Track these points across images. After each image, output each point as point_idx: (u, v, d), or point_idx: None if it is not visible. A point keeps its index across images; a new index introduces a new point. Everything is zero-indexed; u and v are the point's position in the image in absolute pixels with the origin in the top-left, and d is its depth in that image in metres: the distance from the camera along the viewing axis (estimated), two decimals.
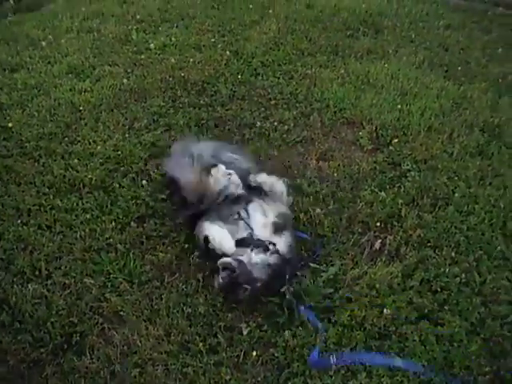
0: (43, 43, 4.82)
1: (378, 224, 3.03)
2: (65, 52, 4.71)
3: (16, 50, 4.72)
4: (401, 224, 3.02)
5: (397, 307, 2.50)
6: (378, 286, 2.61)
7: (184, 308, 2.51)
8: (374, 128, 3.84)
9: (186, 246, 2.84)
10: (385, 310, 2.47)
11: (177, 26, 5.30)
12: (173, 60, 4.61)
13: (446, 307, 2.52)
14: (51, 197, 3.12)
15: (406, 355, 2.31)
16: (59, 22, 5.34)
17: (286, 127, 3.87)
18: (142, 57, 4.68)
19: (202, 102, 4.11)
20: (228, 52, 4.80)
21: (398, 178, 3.39)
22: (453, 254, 2.80)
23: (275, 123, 3.90)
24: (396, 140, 3.71)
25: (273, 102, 4.18)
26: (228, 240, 2.64)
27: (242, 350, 2.35)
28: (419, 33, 5.45)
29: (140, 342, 2.37)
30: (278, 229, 2.75)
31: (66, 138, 3.64)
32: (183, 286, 2.62)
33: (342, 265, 2.75)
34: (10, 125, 3.71)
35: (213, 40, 5.02)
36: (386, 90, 4.33)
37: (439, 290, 2.61)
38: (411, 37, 5.34)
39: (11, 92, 4.10)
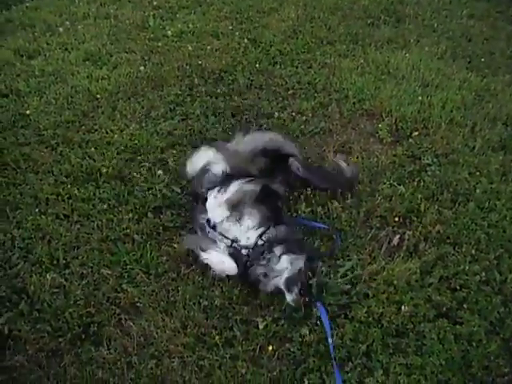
0: (60, 29, 4.80)
1: (397, 219, 2.99)
2: (82, 38, 4.69)
3: (33, 36, 4.71)
4: (420, 219, 2.97)
5: (415, 304, 2.47)
6: (395, 282, 2.58)
7: (200, 300, 2.51)
8: (393, 120, 3.77)
9: None
10: (403, 307, 2.45)
11: (194, 13, 5.23)
12: (190, 47, 4.57)
13: (465, 306, 2.49)
14: (68, 186, 3.13)
15: (424, 354, 2.29)
16: (76, 8, 5.31)
17: (304, 118, 3.82)
18: (159, 44, 4.64)
19: (219, 90, 4.07)
20: (246, 40, 4.74)
21: (417, 172, 3.33)
22: (473, 252, 2.76)
23: (293, 113, 3.86)
24: (416, 133, 3.64)
25: (291, 91, 4.12)
26: (228, 264, 2.62)
27: (257, 344, 2.35)
28: (442, 22, 5.31)
29: (156, 333, 2.38)
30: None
31: (83, 127, 3.64)
32: (199, 279, 2.62)
33: (359, 260, 2.73)
34: (27, 112, 3.71)
35: (230, 27, 4.96)
36: (406, 80, 4.24)
37: (458, 288, 2.57)
38: (433, 26, 5.22)
39: (29, 79, 4.09)
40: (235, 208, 2.70)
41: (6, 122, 3.63)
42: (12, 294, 2.51)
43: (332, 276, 2.61)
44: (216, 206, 2.76)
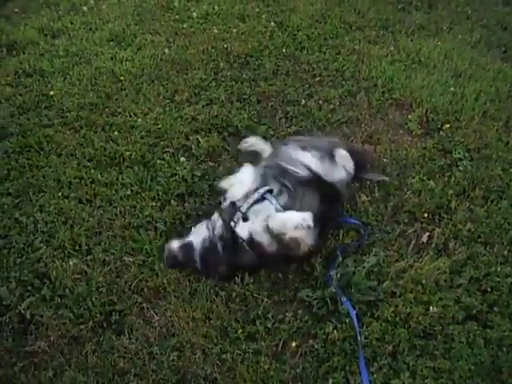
0: (85, 8, 4.73)
1: (426, 215, 2.90)
2: (106, 18, 4.61)
3: (57, 15, 4.64)
4: (450, 216, 2.88)
5: (443, 305, 2.40)
6: (423, 281, 2.51)
7: (221, 292, 2.47)
8: (424, 111, 3.64)
9: None
10: (431, 308, 2.38)
11: None
12: (216, 30, 4.46)
13: (495, 309, 2.41)
14: (91, 170, 3.10)
15: (452, 357, 2.22)
16: None
17: (331, 106, 3.71)
18: (184, 26, 4.54)
19: (244, 75, 3.98)
20: (273, 23, 4.61)
21: (448, 167, 3.22)
22: (505, 252, 2.67)
23: (320, 101, 3.75)
24: (447, 125, 3.51)
25: (318, 78, 4.00)
26: None
27: (280, 340, 2.32)
28: (476, 9, 5.10)
29: (179, 324, 2.36)
30: None
31: (107, 109, 3.59)
32: None
33: (386, 256, 2.66)
34: (51, 93, 3.67)
35: (257, 10, 4.82)
36: (438, 70, 4.09)
37: (489, 289, 2.49)
38: (467, 13, 5.01)
39: (53, 59, 4.04)
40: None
41: (29, 102, 3.60)
42: (34, 279, 2.51)
43: (358, 271, 2.54)
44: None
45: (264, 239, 2.47)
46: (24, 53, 4.12)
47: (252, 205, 2.55)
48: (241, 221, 2.51)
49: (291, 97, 3.79)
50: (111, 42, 4.31)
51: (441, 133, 3.48)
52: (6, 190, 2.95)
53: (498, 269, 2.56)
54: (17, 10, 4.73)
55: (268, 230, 2.44)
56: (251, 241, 2.47)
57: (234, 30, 4.47)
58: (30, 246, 2.66)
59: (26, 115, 3.50)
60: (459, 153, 3.31)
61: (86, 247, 2.68)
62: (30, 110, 3.56)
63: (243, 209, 2.53)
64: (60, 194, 2.95)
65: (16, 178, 3.03)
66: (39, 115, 3.50)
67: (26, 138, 3.30)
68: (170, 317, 2.39)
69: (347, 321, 2.32)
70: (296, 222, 2.40)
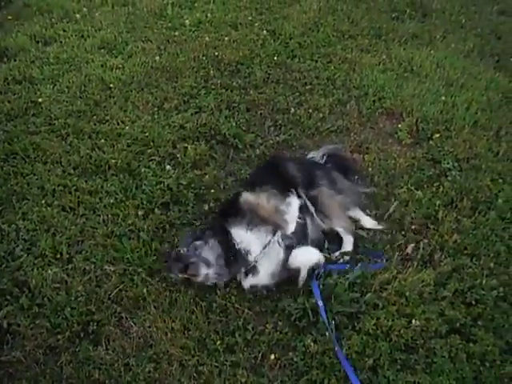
0: (78, 16, 4.73)
1: (413, 226, 2.86)
2: (98, 26, 4.61)
3: (50, 22, 4.64)
4: (437, 227, 2.85)
5: (426, 318, 2.36)
6: (407, 293, 2.47)
7: (201, 303, 2.44)
8: (414, 120, 3.62)
9: None
10: (413, 321, 2.34)
11: (213, 2, 5.10)
12: (207, 38, 4.45)
13: (479, 322, 2.37)
14: (76, 178, 3.08)
15: (433, 372, 2.18)
16: None
17: (320, 115, 3.69)
18: (176, 33, 4.54)
19: (234, 83, 3.96)
20: (265, 31, 4.60)
21: (436, 177, 3.19)
22: (491, 265, 2.63)
23: (310, 110, 3.73)
24: (437, 135, 3.49)
25: (308, 86, 3.99)
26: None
27: (259, 352, 2.28)
28: (470, 18, 5.09)
29: (157, 334, 2.33)
30: None
31: (95, 117, 3.58)
32: None
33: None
34: (40, 100, 3.66)
35: (250, 18, 4.82)
36: (430, 79, 4.08)
37: (474, 302, 2.45)
38: (461, 22, 5.01)
39: (43, 66, 4.04)
40: None
41: (17, 109, 3.59)
42: (13, 287, 2.48)
43: (340, 283, 2.50)
44: None
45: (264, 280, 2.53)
46: (15, 60, 4.12)
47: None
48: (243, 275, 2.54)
49: (281, 105, 3.77)
50: (102, 50, 4.31)
51: (430, 142, 3.45)
52: None
53: (484, 281, 2.52)
54: (10, 17, 4.74)
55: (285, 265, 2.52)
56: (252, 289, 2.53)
57: (226, 38, 4.47)
58: (10, 254, 2.64)
59: (13, 122, 3.49)
60: (448, 163, 3.28)
61: (67, 256, 2.65)
62: (18, 116, 3.55)
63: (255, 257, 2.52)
64: (43, 201, 2.92)
65: (0, 185, 3.01)
66: (27, 122, 3.49)
67: (12, 145, 3.28)
68: (149, 327, 2.36)
69: (327, 333, 2.28)
70: (315, 259, 2.52)
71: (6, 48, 4.23)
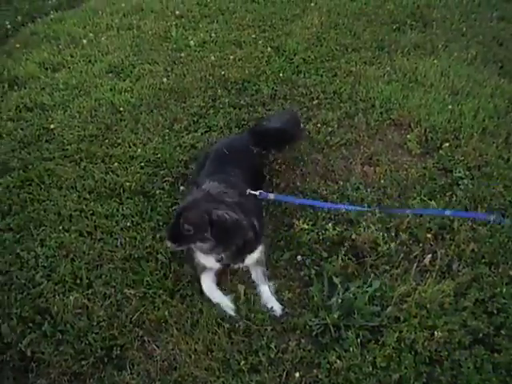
0: (84, 41, 4.82)
1: (428, 236, 2.87)
2: (105, 50, 4.69)
3: (57, 49, 4.73)
4: (453, 237, 2.85)
5: (449, 330, 2.35)
6: (428, 305, 2.46)
7: (223, 324, 2.44)
8: (422, 130, 3.64)
9: None
10: (436, 333, 2.33)
11: (217, 22, 5.18)
12: (213, 57, 4.52)
13: (502, 331, 2.35)
14: (92, 202, 3.11)
15: None
16: (99, 19, 5.32)
17: (329, 129, 3.72)
18: (182, 54, 4.60)
19: (242, 102, 4.01)
20: (269, 48, 4.66)
21: (449, 186, 3.20)
22: (510, 272, 2.62)
23: (318, 125, 3.76)
24: (447, 144, 3.51)
25: (315, 101, 4.03)
26: None
27: (284, 370, 2.28)
28: (471, 25, 5.13)
29: (181, 357, 2.33)
30: None
31: (107, 141, 3.62)
32: None
33: (389, 279, 2.62)
34: (51, 126, 3.72)
35: (253, 36, 4.89)
36: (435, 88, 4.11)
37: (495, 312, 2.44)
38: (462, 30, 5.04)
39: (53, 92, 4.11)
40: None
41: (30, 136, 3.65)
42: (35, 315, 2.49)
43: (360, 296, 2.50)
44: None
45: None
46: (25, 87, 4.19)
47: None
48: None
49: None
50: (110, 74, 4.37)
51: (440, 152, 3.47)
52: (8, 226, 2.97)
53: (504, 290, 2.51)
54: (18, 45, 4.83)
55: None
56: None
57: (231, 57, 4.53)
58: (30, 282, 2.66)
59: (27, 149, 3.54)
60: (460, 171, 3.29)
61: (87, 281, 2.67)
62: (31, 143, 3.60)
63: None
64: (61, 227, 2.95)
65: (17, 212, 3.05)
66: (40, 149, 3.54)
67: (28, 172, 3.33)
68: (172, 350, 2.37)
69: (351, 349, 2.28)
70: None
71: (16, 76, 4.31)
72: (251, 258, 2.68)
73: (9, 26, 5.36)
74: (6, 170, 3.35)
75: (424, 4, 5.55)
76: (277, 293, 2.61)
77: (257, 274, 2.70)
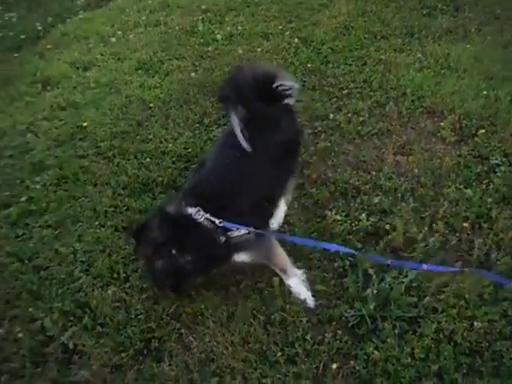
0: (113, 39, 4.89)
1: (465, 225, 2.80)
2: (133, 47, 4.76)
3: (88, 48, 4.83)
4: (490, 225, 2.77)
5: (489, 320, 2.29)
6: (466, 295, 2.41)
7: (259, 316, 2.45)
8: (456, 118, 3.55)
9: None
10: (475, 323, 2.28)
11: (243, 14, 5.18)
12: (240, 50, 4.52)
13: None
14: (126, 198, 3.17)
15: (502, 376, 2.12)
16: (127, 17, 5.40)
17: (360, 118, 3.68)
18: (209, 48, 4.63)
19: None
20: (296, 39, 4.63)
21: (485, 174, 3.11)
22: None
23: (349, 114, 3.72)
24: (482, 131, 3.41)
25: (345, 91, 3.98)
26: None
27: (320, 362, 2.27)
28: (506, 7, 4.96)
29: (217, 348, 2.35)
30: None
31: (138, 137, 3.68)
32: (259, 293, 2.57)
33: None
34: (84, 124, 3.80)
35: (280, 27, 4.87)
36: (468, 74, 4.00)
37: None
38: (496, 13, 4.89)
39: (85, 91, 4.19)
40: None
41: (64, 135, 3.74)
42: (76, 309, 2.56)
43: (396, 287, 2.47)
44: None
45: None
46: (58, 87, 4.29)
47: None
48: None
49: (319, 111, 3.78)
50: (139, 70, 4.44)
51: (476, 139, 3.38)
52: (46, 222, 3.06)
53: None
54: (49, 46, 4.95)
55: None
56: None
57: (259, 49, 4.52)
58: (70, 276, 2.73)
59: (61, 148, 3.64)
60: (496, 158, 3.20)
61: (124, 275, 2.72)
62: (66, 142, 3.70)
63: None
64: (97, 223, 3.02)
65: (55, 209, 3.14)
66: (74, 147, 3.63)
67: (63, 169, 3.42)
68: (209, 342, 2.39)
69: (389, 340, 2.26)
70: None
71: (48, 77, 4.41)
72: None
73: (40, 28, 5.50)
74: (42, 169, 3.45)
75: None
76: (311, 284, 2.61)
77: None
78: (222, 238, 2.36)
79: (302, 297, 2.54)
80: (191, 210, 2.33)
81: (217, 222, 2.31)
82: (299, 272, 2.61)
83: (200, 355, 2.35)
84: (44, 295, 2.64)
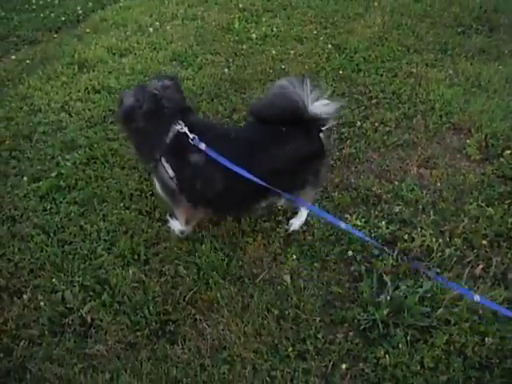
0: (150, 29, 4.98)
1: (484, 242, 2.82)
2: (170, 39, 4.83)
3: (125, 35, 4.91)
4: (510, 245, 2.80)
5: (501, 337, 2.32)
6: (480, 311, 2.44)
7: (273, 310, 2.50)
8: (483, 136, 3.57)
9: (280, 248, 2.83)
10: (487, 339, 2.31)
11: (279, 16, 5.24)
12: (274, 51, 4.58)
13: None
14: (151, 183, 3.22)
15: None
16: (166, 9, 5.48)
17: (387, 128, 3.71)
18: (244, 47, 4.69)
19: None
20: (330, 45, 4.67)
21: (508, 194, 3.13)
22: None
23: (376, 123, 3.75)
24: (508, 151, 3.42)
25: (374, 100, 4.01)
26: None
27: (330, 361, 2.31)
28: None
29: (230, 338, 2.40)
30: None
31: None
32: (275, 286, 2.62)
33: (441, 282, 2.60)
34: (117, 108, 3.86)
35: (315, 32, 4.91)
36: (499, 94, 4.01)
37: None
38: None
39: (120, 76, 4.27)
40: None
41: (97, 117, 3.82)
42: (96, 284, 2.63)
43: (410, 296, 2.50)
44: None
45: None
46: (94, 70, 4.37)
47: None
48: None
49: (347, 118, 3.81)
50: (174, 62, 4.51)
51: (501, 159, 3.39)
52: (74, 199, 3.13)
53: None
54: (88, 30, 5.04)
55: None
56: None
57: (292, 52, 4.57)
58: (93, 253, 2.81)
59: (93, 129, 3.71)
60: None
61: (144, 257, 2.79)
62: (97, 124, 3.77)
63: None
64: (122, 204, 3.09)
65: (82, 187, 3.21)
66: (105, 129, 3.71)
67: (93, 150, 3.49)
68: (222, 330, 2.44)
69: (400, 346, 2.30)
70: None
71: (85, 59, 4.50)
72: None
73: (80, 12, 5.62)
74: (73, 147, 3.53)
75: (491, 9, 5.41)
76: (326, 285, 2.65)
77: None
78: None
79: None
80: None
81: (190, 136, 2.46)
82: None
83: (213, 342, 2.41)
84: (66, 268, 2.71)
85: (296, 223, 2.96)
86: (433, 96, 4.02)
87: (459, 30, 5.03)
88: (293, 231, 2.93)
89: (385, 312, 2.42)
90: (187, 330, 2.46)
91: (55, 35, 5.23)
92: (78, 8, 5.66)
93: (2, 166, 3.42)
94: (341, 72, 4.31)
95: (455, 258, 2.74)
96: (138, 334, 2.43)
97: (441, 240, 2.83)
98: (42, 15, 5.65)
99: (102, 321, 2.48)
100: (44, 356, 2.34)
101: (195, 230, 2.91)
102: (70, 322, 2.47)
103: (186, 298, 2.58)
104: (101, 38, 4.89)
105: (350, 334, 2.41)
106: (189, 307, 2.55)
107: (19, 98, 4.10)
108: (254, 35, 4.85)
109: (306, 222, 2.97)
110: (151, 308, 2.51)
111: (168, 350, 2.37)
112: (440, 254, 2.77)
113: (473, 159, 3.46)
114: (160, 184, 2.65)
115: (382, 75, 4.31)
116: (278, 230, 2.93)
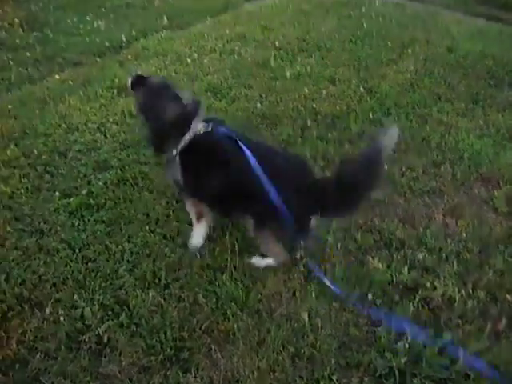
0: (188, 60, 5.16)
1: (508, 297, 2.77)
2: (206, 71, 4.99)
3: (164, 64, 5.10)
4: None
5: None
6: (501, 367, 2.37)
7: (289, 347, 2.48)
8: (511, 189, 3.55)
9: (300, 285, 2.82)
10: None
11: (313, 57, 5.38)
12: (306, 90, 4.68)
13: None
14: (178, 210, 3.28)
15: None
16: (205, 42, 5.69)
17: (414, 174, 3.73)
18: (277, 83, 4.81)
19: (330, 136, 4.10)
20: (362, 88, 4.76)
21: None
22: None
23: (403, 168, 3.77)
24: None
25: (403, 146, 4.04)
26: None
27: None
28: None
29: (244, 371, 2.38)
30: None
31: None
32: (292, 323, 2.60)
33: (462, 334, 2.55)
34: None
35: (347, 74, 5.02)
36: None
37: None
38: None
39: None
40: None
41: (131, 140, 3.93)
42: (115, 304, 2.65)
43: (430, 346, 2.46)
44: None
45: None
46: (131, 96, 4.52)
47: None
48: None
49: None
50: (208, 93, 4.64)
51: None
52: (101, 218, 3.20)
53: None
54: (130, 57, 5.25)
55: None
56: None
57: (324, 92, 4.67)
58: (115, 273, 2.84)
59: (126, 151, 3.82)
60: None
61: (165, 281, 2.81)
62: (130, 147, 3.88)
63: None
64: (147, 227, 3.14)
65: (111, 207, 3.29)
66: (137, 153, 3.81)
67: (124, 172, 3.58)
68: (236, 362, 2.43)
69: None
70: None
71: (124, 85, 4.65)
72: None
73: (124, 39, 5.86)
74: (105, 167, 3.64)
75: None
76: (343, 326, 2.62)
77: None
78: None
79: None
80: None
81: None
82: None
83: (226, 373, 2.39)
84: (88, 285, 2.75)
85: (261, 262, 2.95)
86: (462, 145, 4.03)
87: (491, 82, 5.09)
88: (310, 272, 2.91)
89: (402, 360, 2.38)
90: (201, 358, 2.45)
91: (98, 59, 5.45)
92: (122, 35, 5.91)
93: (37, 179, 3.54)
94: (371, 115, 4.37)
95: (477, 311, 2.69)
96: (152, 358, 2.43)
97: (463, 291, 2.79)
98: (87, 40, 5.92)
99: (117, 341, 2.49)
100: (58, 371, 2.35)
101: (216, 259, 2.93)
102: (86, 340, 2.49)
103: (203, 327, 2.58)
104: (141, 65, 5.08)
105: (365, 379, 2.37)
106: (205, 336, 2.55)
107: (59, 116, 4.27)
108: (288, 73, 4.98)
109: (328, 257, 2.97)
110: (168, 333, 2.51)
111: (181, 378, 2.35)
112: (462, 305, 2.73)
113: (500, 211, 3.43)
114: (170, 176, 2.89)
115: (411, 121, 4.36)
116: (299, 266, 2.94)
